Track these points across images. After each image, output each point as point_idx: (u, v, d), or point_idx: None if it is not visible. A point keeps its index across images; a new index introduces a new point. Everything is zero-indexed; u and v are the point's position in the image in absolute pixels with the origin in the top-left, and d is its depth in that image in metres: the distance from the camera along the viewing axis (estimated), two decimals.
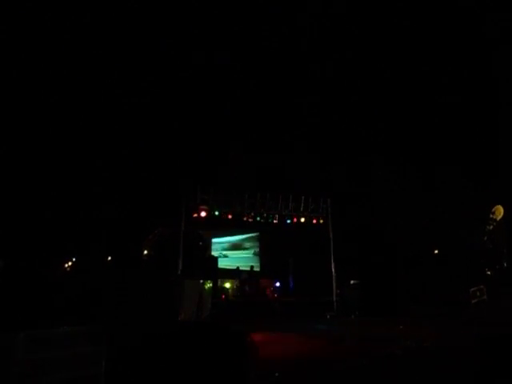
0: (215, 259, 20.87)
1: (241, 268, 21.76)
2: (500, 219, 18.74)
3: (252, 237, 24.38)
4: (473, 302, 16.27)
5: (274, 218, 18.23)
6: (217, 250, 24.05)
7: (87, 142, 21.66)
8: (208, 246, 23.93)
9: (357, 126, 23.74)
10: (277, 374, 6.97)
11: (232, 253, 24.45)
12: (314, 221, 18.64)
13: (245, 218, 17.84)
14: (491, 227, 18.92)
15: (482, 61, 20.42)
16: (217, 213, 17.16)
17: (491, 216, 19.05)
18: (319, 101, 23.39)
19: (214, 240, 24.75)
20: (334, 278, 17.93)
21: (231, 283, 19.76)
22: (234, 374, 6.00)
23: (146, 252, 22.50)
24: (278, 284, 20.22)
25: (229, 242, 24.78)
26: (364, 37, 21.89)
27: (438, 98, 22.53)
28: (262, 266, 23.43)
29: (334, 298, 17.58)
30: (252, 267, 21.75)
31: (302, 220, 18.49)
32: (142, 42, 20.69)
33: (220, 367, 6.19)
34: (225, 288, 19.09)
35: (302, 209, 18.35)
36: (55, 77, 19.47)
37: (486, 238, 19.14)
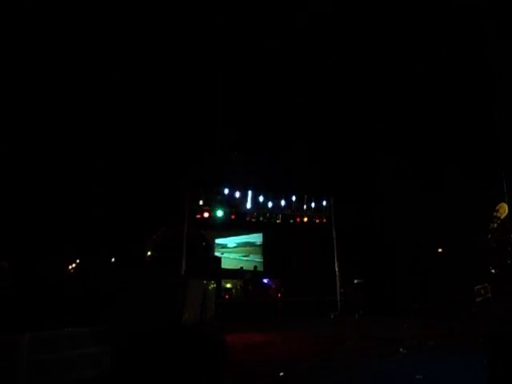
0: (218, 259, 20.87)
1: (244, 268, 21.75)
2: (504, 217, 18.65)
3: (255, 237, 24.36)
4: (477, 300, 16.22)
5: (277, 218, 18.21)
6: (220, 251, 24.05)
7: (89, 142, 21.72)
8: (211, 247, 23.93)
9: (359, 125, 23.71)
10: (281, 374, 6.97)
11: (235, 253, 24.44)
12: (317, 220, 18.63)
13: (248, 218, 17.84)
14: (495, 225, 18.82)
15: (484, 60, 20.35)
16: (220, 213, 17.16)
17: (495, 214, 18.96)
18: (322, 100, 23.38)
19: (217, 240, 24.74)
20: (337, 277, 17.91)
21: (235, 283, 19.76)
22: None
23: (149, 253, 22.54)
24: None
25: (232, 242, 24.77)
26: (367, 35, 21.86)
27: (441, 97, 22.48)
28: (265, 265, 23.40)
29: (338, 298, 17.55)
30: (255, 267, 21.73)
31: (305, 220, 18.47)
32: (142, 42, 20.74)
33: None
34: (228, 288, 19.09)
35: (305, 209, 18.33)
36: (54, 77, 19.54)
37: (490, 236, 19.05)
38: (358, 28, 21.33)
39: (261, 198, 17.60)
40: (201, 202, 16.67)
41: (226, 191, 17.34)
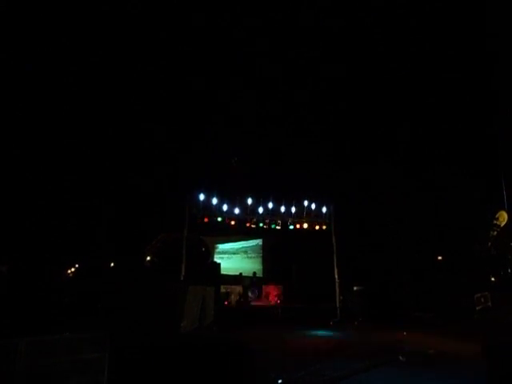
0: (218, 265, 20.81)
1: (243, 274, 21.69)
2: (504, 225, 18.61)
3: (255, 243, 24.32)
4: (477, 308, 16.15)
5: (276, 224, 18.16)
6: (219, 256, 24.01)
7: (90, 147, 21.76)
8: (210, 252, 23.89)
9: (358, 132, 23.79)
10: (280, 381, 6.94)
11: (235, 259, 24.39)
12: (317, 227, 18.57)
13: (247, 224, 17.79)
14: (495, 233, 18.78)
15: (485, 66, 20.44)
16: (220, 219, 17.12)
17: (495, 222, 18.92)
18: (322, 106, 23.48)
19: (217, 246, 24.72)
20: (337, 283, 17.84)
21: (234, 289, 19.69)
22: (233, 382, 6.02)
23: (148, 258, 22.50)
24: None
25: (232, 248, 24.73)
26: (363, 44, 22.02)
27: (441, 102, 22.54)
28: (264, 272, 23.35)
29: (338, 304, 17.47)
30: (255, 273, 21.68)
31: (305, 226, 18.42)
32: (145, 47, 20.84)
33: (219, 376, 6.21)
34: (227, 294, 19.02)
35: (304, 215, 18.29)
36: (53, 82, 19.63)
37: (490, 244, 19.01)
38: (354, 33, 21.44)
39: (260, 204, 17.56)
40: (201, 208, 16.62)
41: (227, 196, 17.30)
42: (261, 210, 17.57)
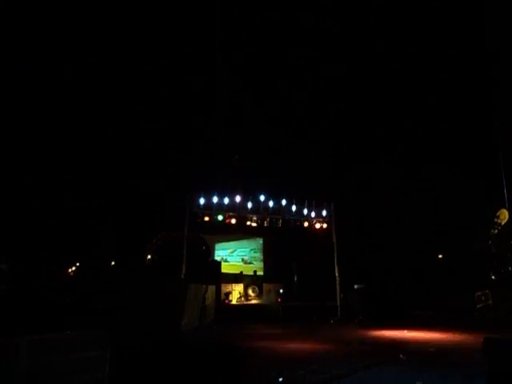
0: (218, 264, 20.80)
1: (244, 273, 21.68)
2: (505, 223, 18.64)
3: (255, 241, 24.30)
4: (478, 306, 16.17)
5: (277, 223, 18.18)
6: (220, 255, 23.98)
7: (90, 146, 21.78)
8: (211, 251, 23.87)
9: (358, 132, 23.83)
10: (281, 379, 6.94)
11: (235, 257, 24.36)
12: (318, 225, 18.59)
13: (248, 223, 17.82)
14: (496, 231, 18.81)
15: (484, 64, 20.46)
16: (220, 218, 17.13)
17: (496, 220, 18.94)
18: (322, 106, 23.50)
19: (218, 245, 24.69)
20: (337, 282, 17.87)
21: (234, 288, 19.69)
22: None
23: (149, 256, 22.51)
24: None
25: (232, 246, 24.70)
26: (363, 44, 22.05)
27: (441, 102, 22.56)
28: (265, 270, 23.33)
29: (338, 303, 17.50)
30: (255, 272, 21.67)
31: (306, 224, 18.44)
32: (145, 47, 20.86)
33: (217, 375, 6.23)
34: (228, 292, 19.04)
35: (305, 214, 18.31)
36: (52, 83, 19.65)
37: (490, 243, 19.04)
38: (351, 33, 21.47)
39: (261, 203, 17.58)
40: (201, 207, 16.64)
41: (227, 195, 17.33)
42: (262, 208, 17.60)
